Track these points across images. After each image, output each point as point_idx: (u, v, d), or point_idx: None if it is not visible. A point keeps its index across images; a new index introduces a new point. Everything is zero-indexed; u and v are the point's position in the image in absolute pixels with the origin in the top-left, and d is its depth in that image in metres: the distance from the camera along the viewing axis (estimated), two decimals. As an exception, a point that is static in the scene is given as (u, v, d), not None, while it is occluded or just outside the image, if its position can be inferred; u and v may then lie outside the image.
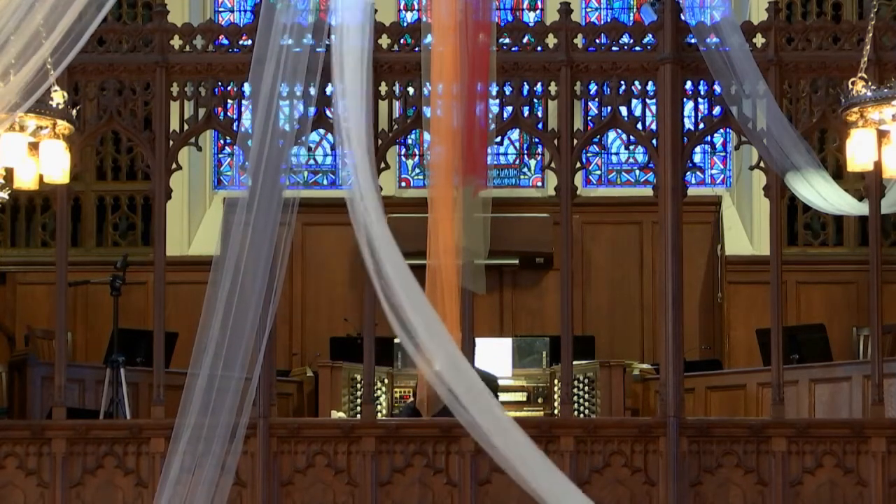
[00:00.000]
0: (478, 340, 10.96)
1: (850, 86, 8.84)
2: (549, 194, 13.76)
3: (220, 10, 15.55)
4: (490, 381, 11.12)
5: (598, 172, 15.31)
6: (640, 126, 10.38)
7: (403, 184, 15.26)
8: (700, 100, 10.34)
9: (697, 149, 11.38)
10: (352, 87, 8.74)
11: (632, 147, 14.12)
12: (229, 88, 10.33)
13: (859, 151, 8.83)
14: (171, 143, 10.31)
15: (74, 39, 8.67)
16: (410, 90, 10.31)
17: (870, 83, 8.85)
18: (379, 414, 11.88)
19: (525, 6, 15.46)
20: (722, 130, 11.35)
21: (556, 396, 12.75)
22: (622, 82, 10.31)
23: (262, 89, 8.80)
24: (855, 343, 13.52)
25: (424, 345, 8.34)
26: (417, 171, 15.27)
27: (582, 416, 12.64)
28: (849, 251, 14.20)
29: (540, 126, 10.38)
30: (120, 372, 11.01)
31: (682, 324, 10.13)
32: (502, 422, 8.40)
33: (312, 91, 9.03)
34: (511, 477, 8.44)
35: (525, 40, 10.35)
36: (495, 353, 12.84)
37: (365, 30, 8.83)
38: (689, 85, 10.28)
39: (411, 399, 11.97)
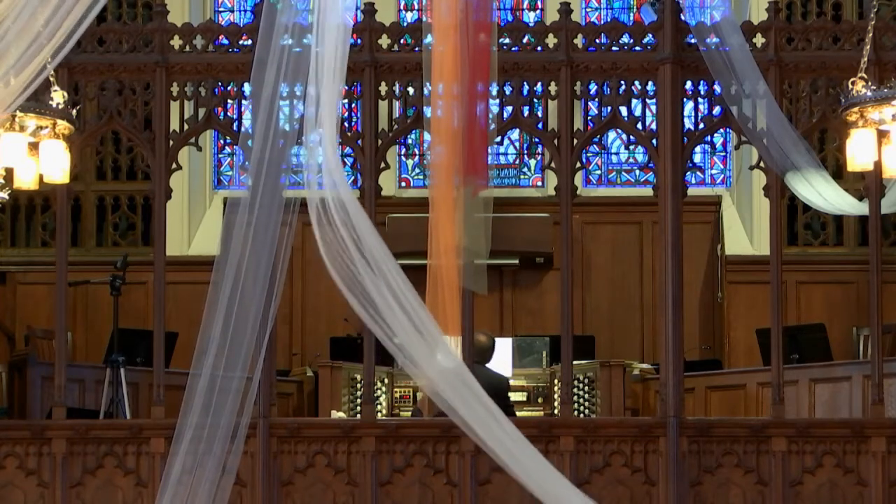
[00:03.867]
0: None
1: (850, 86, 8.84)
2: (549, 194, 13.76)
3: (220, 10, 15.54)
4: (500, 383, 11.13)
5: (598, 172, 15.30)
6: (640, 126, 10.39)
7: (403, 184, 15.26)
8: (700, 100, 10.35)
9: (697, 149, 11.39)
10: (326, 90, 8.67)
11: (632, 147, 14.12)
12: (229, 88, 10.34)
13: (859, 151, 8.83)
14: (171, 143, 10.32)
15: (71, 35, 8.66)
16: (411, 90, 10.32)
17: (870, 83, 8.85)
18: (379, 414, 11.88)
19: (525, 6, 15.45)
20: (722, 130, 11.36)
21: (556, 396, 12.75)
22: (622, 82, 10.31)
23: (262, 89, 8.79)
24: (855, 343, 13.52)
25: (419, 357, 8.33)
26: (417, 171, 15.26)
27: (582, 416, 12.64)
28: (849, 251, 14.19)
29: (540, 126, 10.39)
30: (120, 372, 11.01)
31: (682, 324, 10.14)
32: (502, 428, 8.38)
33: (312, 91, 9.02)
34: (514, 479, 8.43)
35: (525, 40, 10.36)
36: (496, 353, 12.82)
37: (341, 31, 8.77)
38: (689, 85, 10.29)
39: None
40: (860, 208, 10.53)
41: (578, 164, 10.39)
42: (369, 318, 8.39)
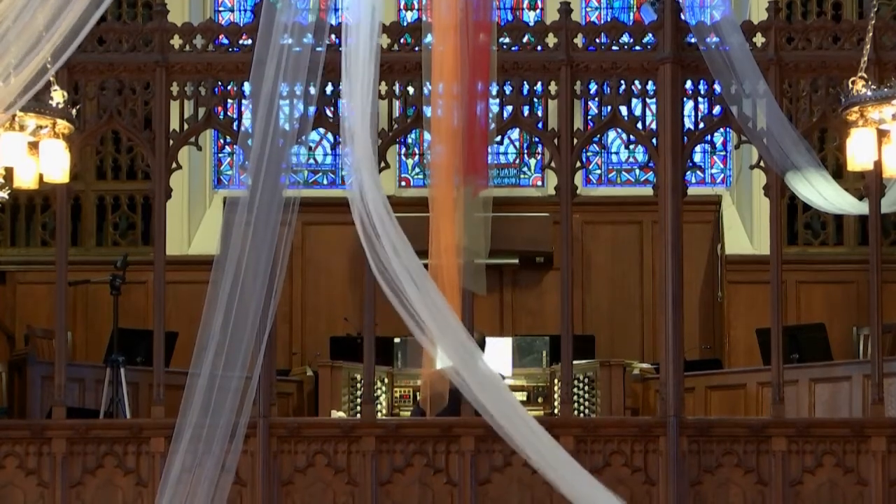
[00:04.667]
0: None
1: (850, 85, 8.85)
2: (549, 194, 13.76)
3: (220, 9, 15.54)
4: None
5: (599, 172, 15.30)
6: (640, 125, 10.38)
7: (403, 183, 15.26)
8: (700, 99, 10.35)
9: (697, 148, 11.37)
10: (357, 86, 8.75)
11: (632, 146, 14.11)
12: (229, 88, 10.34)
13: (859, 151, 8.83)
14: (171, 142, 10.32)
15: (72, 36, 8.67)
16: (411, 90, 10.32)
17: (870, 82, 8.86)
18: (379, 414, 11.88)
19: (525, 6, 15.45)
20: (722, 130, 11.36)
21: (556, 396, 12.75)
22: (622, 82, 10.31)
23: (262, 89, 8.80)
24: (855, 343, 13.52)
25: (437, 341, 8.38)
26: (417, 170, 15.26)
27: (582, 415, 12.64)
28: (849, 250, 14.19)
29: (540, 125, 10.38)
30: (120, 371, 11.02)
31: (682, 323, 10.14)
32: (518, 414, 8.44)
33: (312, 90, 9.03)
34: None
35: (525, 40, 10.36)
36: (495, 353, 12.83)
37: (373, 29, 8.84)
38: (689, 84, 10.29)
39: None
40: (860, 208, 10.53)
41: (578, 164, 10.39)
42: (408, 316, 8.40)
